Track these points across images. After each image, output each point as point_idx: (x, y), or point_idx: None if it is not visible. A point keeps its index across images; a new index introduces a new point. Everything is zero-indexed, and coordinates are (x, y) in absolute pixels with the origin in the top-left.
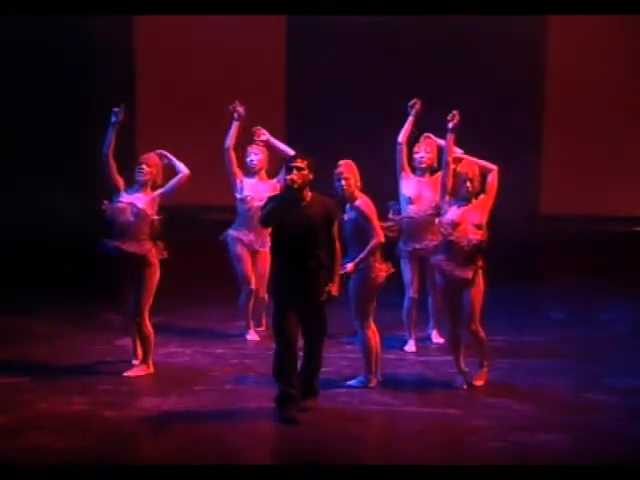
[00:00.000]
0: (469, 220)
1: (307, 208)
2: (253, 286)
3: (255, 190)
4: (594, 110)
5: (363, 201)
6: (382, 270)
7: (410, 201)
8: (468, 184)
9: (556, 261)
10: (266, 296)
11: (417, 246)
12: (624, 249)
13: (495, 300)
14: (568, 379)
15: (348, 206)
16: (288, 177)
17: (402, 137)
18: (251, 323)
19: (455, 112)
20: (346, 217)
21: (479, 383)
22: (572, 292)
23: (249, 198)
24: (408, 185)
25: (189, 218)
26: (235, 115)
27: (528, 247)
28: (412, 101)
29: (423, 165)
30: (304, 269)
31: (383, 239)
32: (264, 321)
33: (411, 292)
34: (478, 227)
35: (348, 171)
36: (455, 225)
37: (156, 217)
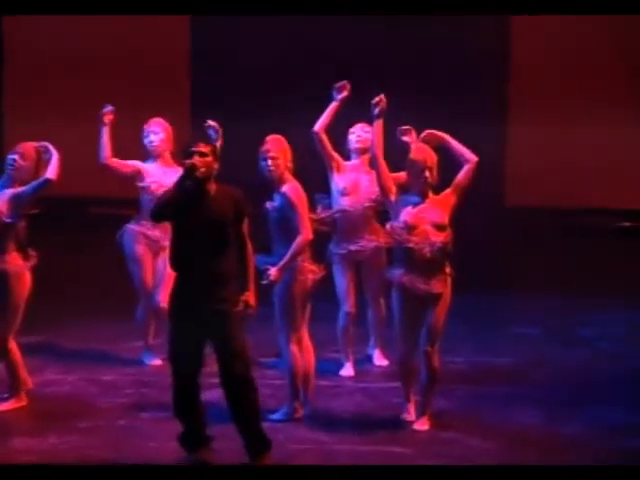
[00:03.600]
0: (428, 220)
1: (213, 202)
2: (158, 299)
3: (159, 176)
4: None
5: (291, 187)
6: (312, 272)
7: (344, 192)
8: (427, 174)
9: (527, 263)
10: None
11: (352, 248)
12: (609, 248)
13: (453, 312)
14: (541, 410)
15: (276, 193)
16: (188, 162)
17: (318, 125)
18: (150, 342)
19: (382, 95)
20: (269, 205)
21: (424, 428)
22: (546, 302)
23: (153, 186)
24: (341, 175)
25: (76, 213)
26: (105, 120)
27: (492, 245)
28: (339, 83)
29: (359, 145)
30: (211, 276)
31: (311, 235)
32: None
33: (347, 306)
34: (440, 227)
35: (276, 149)
36: (411, 228)
37: (9, 220)
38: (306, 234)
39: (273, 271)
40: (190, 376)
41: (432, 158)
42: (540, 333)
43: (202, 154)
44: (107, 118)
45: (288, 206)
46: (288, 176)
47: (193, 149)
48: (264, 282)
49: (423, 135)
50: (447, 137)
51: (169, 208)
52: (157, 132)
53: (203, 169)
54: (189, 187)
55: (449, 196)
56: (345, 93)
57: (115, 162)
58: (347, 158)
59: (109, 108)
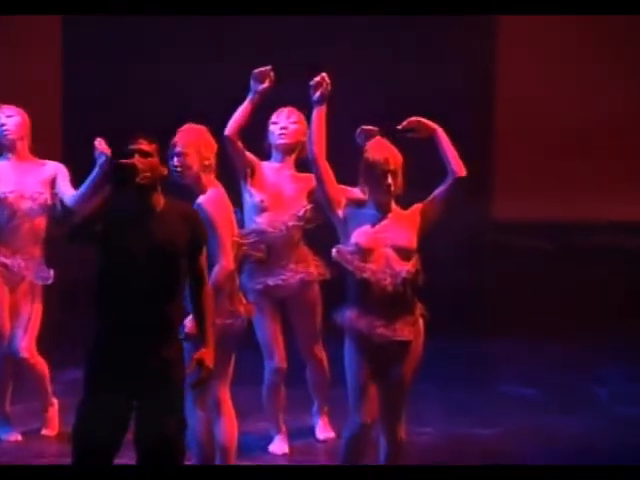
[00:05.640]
0: (389, 242)
1: (160, 221)
2: (18, 347)
3: (16, 180)
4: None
5: (210, 196)
6: (234, 315)
7: (261, 206)
8: (389, 180)
9: (519, 295)
10: (39, 364)
11: (272, 281)
12: (626, 274)
13: (422, 363)
14: None
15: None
16: (126, 162)
17: (229, 128)
18: (7, 408)
19: (324, 74)
20: None
21: None
22: (546, 350)
23: (10, 196)
24: (258, 183)
25: None
26: None
27: (475, 273)
28: (259, 69)
29: (283, 141)
30: (151, 325)
31: (232, 264)
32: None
33: (275, 361)
34: (406, 253)
35: (187, 142)
36: (366, 252)
37: None
38: (226, 263)
39: (188, 322)
40: (102, 460)
41: (396, 159)
42: (538, 393)
43: (144, 153)
44: None
45: (205, 221)
46: (208, 179)
47: (132, 147)
48: (180, 337)
49: (407, 122)
50: (440, 130)
51: (93, 227)
52: (10, 114)
53: (147, 173)
54: (124, 199)
55: (416, 213)
56: (267, 83)
57: None
58: (266, 157)
59: None
